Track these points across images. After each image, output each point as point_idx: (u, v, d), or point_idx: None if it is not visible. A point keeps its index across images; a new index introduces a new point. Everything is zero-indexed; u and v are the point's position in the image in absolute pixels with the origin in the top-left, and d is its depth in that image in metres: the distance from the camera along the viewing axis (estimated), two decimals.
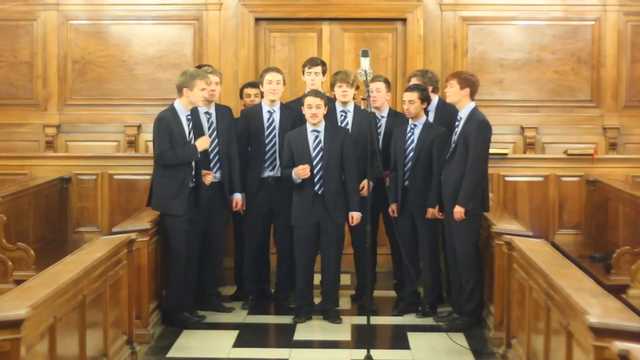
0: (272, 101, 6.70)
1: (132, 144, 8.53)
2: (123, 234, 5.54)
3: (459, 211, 6.02)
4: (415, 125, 6.45)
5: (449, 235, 6.24)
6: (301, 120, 6.55)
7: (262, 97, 6.87)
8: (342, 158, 6.31)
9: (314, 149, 6.33)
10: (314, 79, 6.81)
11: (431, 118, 6.63)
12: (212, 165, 6.51)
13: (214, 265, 6.67)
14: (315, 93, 6.37)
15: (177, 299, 6.26)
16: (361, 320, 6.18)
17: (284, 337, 6.06)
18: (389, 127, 6.67)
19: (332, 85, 6.71)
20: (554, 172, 7.75)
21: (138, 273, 5.76)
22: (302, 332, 6.20)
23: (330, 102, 6.61)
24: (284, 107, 6.78)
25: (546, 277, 4.36)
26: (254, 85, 7.27)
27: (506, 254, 5.53)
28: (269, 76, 6.68)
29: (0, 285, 5.65)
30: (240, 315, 6.60)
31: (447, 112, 6.59)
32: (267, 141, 6.68)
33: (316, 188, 6.31)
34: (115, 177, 7.73)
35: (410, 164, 6.41)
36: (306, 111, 6.32)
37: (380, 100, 6.68)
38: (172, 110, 6.22)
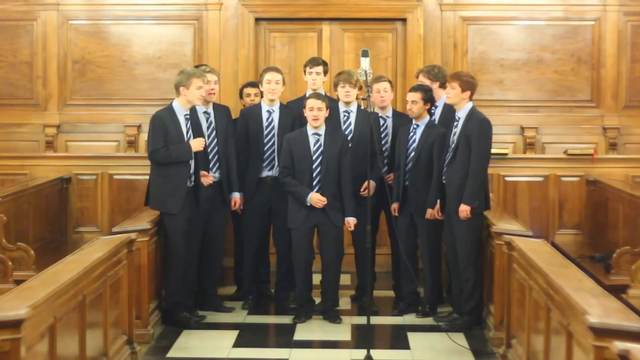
0: (272, 101, 6.70)
1: (132, 144, 8.54)
2: (123, 234, 5.54)
3: (464, 209, 6.02)
4: (417, 126, 6.45)
5: (450, 235, 6.24)
6: (300, 121, 6.56)
7: (262, 96, 6.87)
8: (339, 163, 6.31)
9: (314, 152, 6.32)
10: (315, 78, 6.81)
11: (438, 113, 6.61)
12: (211, 164, 6.51)
13: (213, 265, 6.68)
14: (317, 96, 6.36)
15: (177, 299, 6.27)
16: (361, 320, 6.18)
17: (284, 337, 6.06)
18: (396, 127, 6.67)
19: (335, 86, 6.71)
20: (554, 172, 7.76)
21: (138, 273, 5.76)
22: (302, 332, 6.20)
23: (332, 102, 6.61)
24: (283, 107, 6.78)
25: (546, 277, 4.36)
26: (254, 85, 7.27)
27: (506, 254, 5.53)
28: (268, 76, 6.68)
29: (0, 285, 5.65)
30: (240, 315, 6.60)
31: (453, 109, 6.59)
32: (265, 141, 6.68)
33: (315, 191, 6.30)
34: (115, 177, 7.75)
35: (410, 164, 6.41)
36: (307, 114, 6.32)
37: (388, 100, 6.71)
38: (169, 109, 6.24)
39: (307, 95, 6.58)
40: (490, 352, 5.72)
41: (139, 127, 8.55)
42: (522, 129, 8.55)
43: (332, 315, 6.43)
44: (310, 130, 6.36)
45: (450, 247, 6.29)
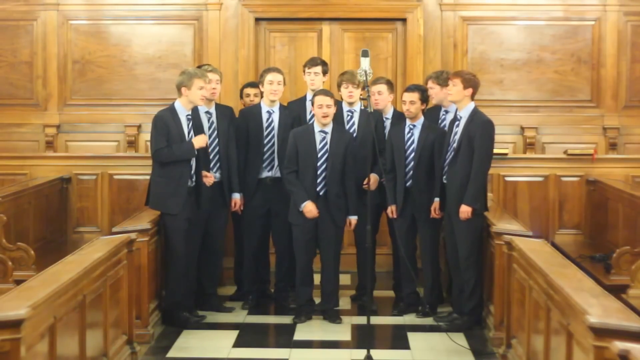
0: (272, 101, 6.69)
1: (132, 144, 8.53)
2: (123, 234, 5.54)
3: (465, 210, 6.02)
4: (414, 126, 6.45)
5: (450, 235, 6.24)
6: (300, 122, 6.54)
7: (262, 97, 6.86)
8: (344, 162, 6.30)
9: (320, 150, 6.30)
10: (313, 79, 6.80)
11: (449, 119, 6.49)
12: (211, 165, 6.51)
13: (213, 265, 6.67)
14: (326, 92, 6.34)
15: (177, 299, 6.27)
16: (361, 320, 6.18)
17: (284, 337, 6.06)
18: None
19: (339, 86, 6.71)
20: (554, 172, 7.76)
21: (138, 273, 5.76)
22: (302, 332, 6.20)
23: (336, 102, 6.60)
24: (283, 107, 6.77)
25: (546, 277, 4.36)
26: (254, 85, 7.27)
27: (506, 254, 5.53)
28: (270, 76, 6.66)
29: (0, 285, 5.65)
30: (240, 315, 6.60)
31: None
32: (265, 141, 6.67)
33: (318, 189, 6.30)
34: (115, 177, 7.74)
35: (412, 164, 6.40)
36: (317, 111, 6.28)
37: (383, 102, 6.67)
38: (171, 109, 6.24)
39: (312, 94, 6.52)
40: (490, 352, 5.72)
41: (139, 127, 8.55)
42: (522, 129, 8.55)
43: (332, 315, 6.43)
44: (317, 127, 6.33)
45: (451, 247, 6.29)
